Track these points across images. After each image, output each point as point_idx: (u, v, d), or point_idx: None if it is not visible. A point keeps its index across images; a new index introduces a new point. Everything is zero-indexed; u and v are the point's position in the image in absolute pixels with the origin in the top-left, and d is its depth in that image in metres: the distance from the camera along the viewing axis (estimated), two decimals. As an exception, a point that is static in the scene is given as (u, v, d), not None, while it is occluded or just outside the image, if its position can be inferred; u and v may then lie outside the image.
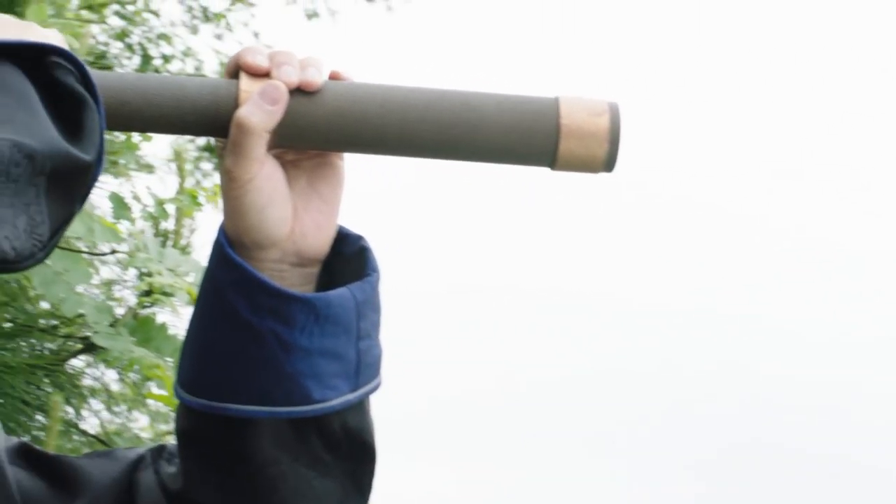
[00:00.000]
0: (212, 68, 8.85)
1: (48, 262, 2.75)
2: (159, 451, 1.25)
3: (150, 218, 3.27)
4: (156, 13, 8.48)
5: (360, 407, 1.18)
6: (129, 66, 8.10)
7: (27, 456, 1.23)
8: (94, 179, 1.00)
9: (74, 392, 2.83)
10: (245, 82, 1.13)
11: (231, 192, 1.14)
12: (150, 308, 2.90)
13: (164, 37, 8.68)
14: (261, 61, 1.13)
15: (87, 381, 2.96)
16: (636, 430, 13.28)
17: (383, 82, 1.15)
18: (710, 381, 13.41)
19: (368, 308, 1.16)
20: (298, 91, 1.13)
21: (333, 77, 1.16)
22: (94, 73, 1.09)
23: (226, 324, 1.15)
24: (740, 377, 13.42)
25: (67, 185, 0.96)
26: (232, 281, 1.15)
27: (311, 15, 9.31)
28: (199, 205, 3.45)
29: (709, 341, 13.76)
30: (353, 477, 1.19)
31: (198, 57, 8.85)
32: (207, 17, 8.85)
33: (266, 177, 1.14)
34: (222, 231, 1.17)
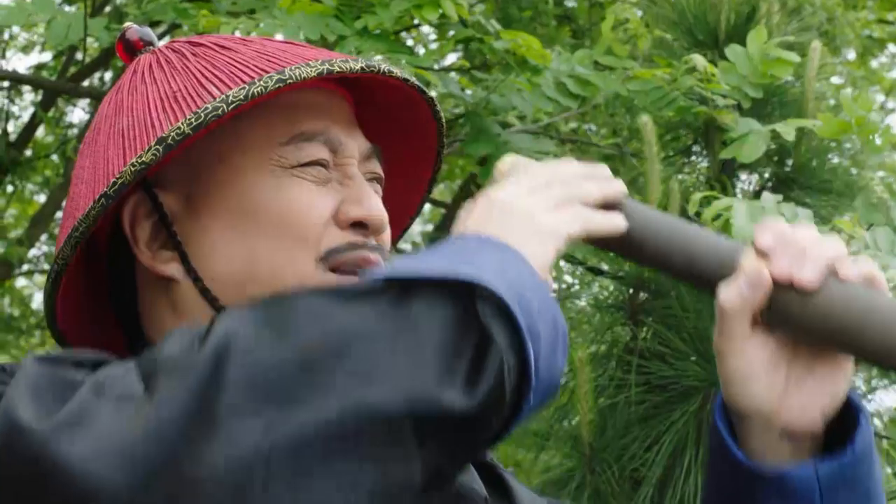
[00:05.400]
0: None
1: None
2: None
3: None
4: None
5: None
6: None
7: None
8: (510, 422, 0.98)
9: None
10: (748, 257, 1.12)
11: (717, 358, 1.17)
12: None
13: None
14: (764, 242, 1.12)
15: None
16: None
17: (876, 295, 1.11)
18: None
19: (839, 484, 1.15)
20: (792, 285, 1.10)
21: (843, 278, 1.11)
22: (637, 208, 1.13)
23: (715, 482, 1.22)
24: None
25: (443, 436, 0.94)
26: (714, 442, 1.21)
27: None
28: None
29: None
30: None
31: None
32: None
33: (750, 353, 1.15)
34: (719, 395, 1.20)
